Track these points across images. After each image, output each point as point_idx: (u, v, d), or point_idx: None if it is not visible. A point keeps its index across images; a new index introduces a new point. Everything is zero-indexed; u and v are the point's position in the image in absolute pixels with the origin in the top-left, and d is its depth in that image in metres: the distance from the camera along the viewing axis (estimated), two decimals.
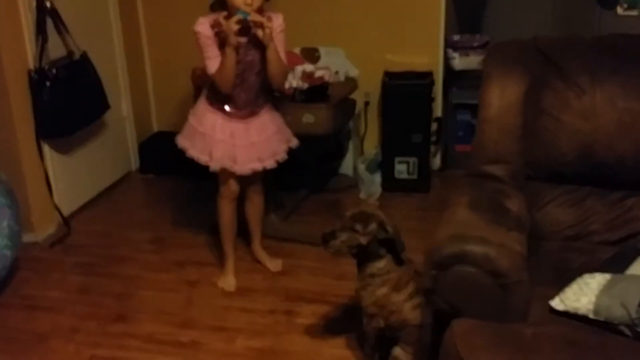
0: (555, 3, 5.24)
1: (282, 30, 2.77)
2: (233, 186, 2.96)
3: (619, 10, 5.81)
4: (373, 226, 2.26)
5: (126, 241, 3.52)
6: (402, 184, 3.94)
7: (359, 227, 2.26)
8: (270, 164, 2.95)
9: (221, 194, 3.00)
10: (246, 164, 2.89)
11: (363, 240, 2.26)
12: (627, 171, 2.28)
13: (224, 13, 2.70)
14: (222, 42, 2.70)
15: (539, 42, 2.46)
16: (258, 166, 2.92)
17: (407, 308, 2.32)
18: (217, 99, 2.83)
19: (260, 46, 2.72)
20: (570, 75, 2.32)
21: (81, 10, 3.72)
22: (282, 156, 2.98)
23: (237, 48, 2.68)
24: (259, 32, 2.66)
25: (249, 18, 2.61)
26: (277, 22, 2.74)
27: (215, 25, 2.70)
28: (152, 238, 3.55)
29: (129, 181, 4.26)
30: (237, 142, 2.87)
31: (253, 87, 2.83)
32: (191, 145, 2.91)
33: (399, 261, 2.31)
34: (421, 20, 3.99)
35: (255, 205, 3.14)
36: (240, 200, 3.07)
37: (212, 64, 2.73)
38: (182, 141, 2.95)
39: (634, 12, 5.98)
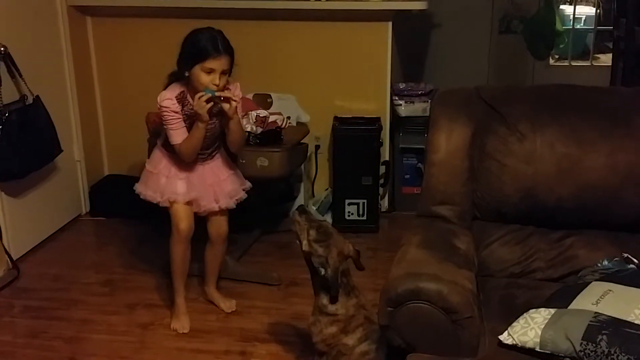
0: (491, 54, 5.52)
1: (239, 100, 2.87)
2: (182, 225, 2.93)
3: (551, 61, 6.14)
4: (317, 248, 2.31)
5: (77, 284, 3.49)
6: (352, 225, 4.03)
7: (312, 233, 2.33)
8: (226, 202, 2.99)
9: (172, 235, 2.99)
10: (203, 205, 2.95)
11: (305, 245, 2.33)
12: (567, 212, 2.41)
13: (183, 89, 2.79)
14: (187, 115, 2.79)
15: (482, 91, 2.60)
16: (215, 206, 2.97)
17: (357, 353, 2.36)
18: (173, 149, 2.89)
19: (219, 114, 2.81)
20: (512, 122, 2.45)
21: (35, 55, 3.74)
22: (241, 196, 3.04)
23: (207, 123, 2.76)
24: (225, 106, 2.74)
25: (216, 94, 2.70)
26: (236, 92, 2.84)
27: (180, 98, 2.78)
28: (103, 281, 3.53)
29: (79, 224, 4.23)
30: (194, 182, 2.93)
31: (209, 147, 2.93)
32: (145, 188, 2.96)
33: (332, 299, 2.35)
34: (369, 69, 4.14)
35: (217, 253, 3.16)
36: (200, 242, 3.10)
37: (177, 135, 2.80)
38: (138, 186, 3.00)
39: (565, 63, 6.33)
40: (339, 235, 2.40)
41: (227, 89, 2.78)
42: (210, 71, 2.69)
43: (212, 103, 2.70)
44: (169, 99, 2.77)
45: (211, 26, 2.78)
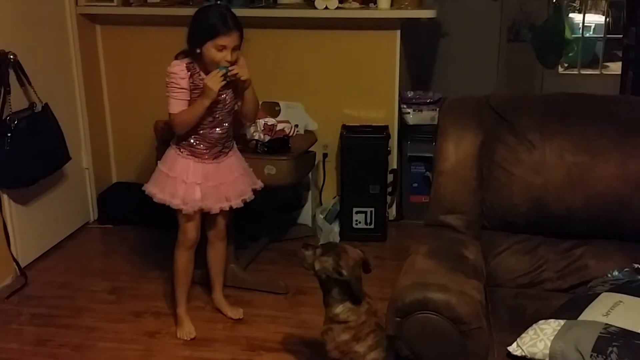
0: (500, 62, 5.51)
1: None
2: (192, 233, 2.97)
3: (560, 69, 6.13)
4: (327, 258, 2.34)
5: (84, 291, 3.49)
6: (360, 234, 4.01)
7: (318, 251, 2.37)
8: (237, 203, 2.99)
9: (179, 242, 3.01)
10: (215, 203, 2.94)
11: (316, 265, 2.35)
12: (576, 222, 2.39)
13: (192, 61, 2.79)
14: (194, 84, 2.79)
15: (492, 100, 2.60)
16: (225, 205, 2.96)
17: None
18: (190, 142, 2.88)
19: (231, 85, 2.81)
20: (521, 131, 2.44)
21: (44, 62, 3.75)
22: (249, 196, 3.04)
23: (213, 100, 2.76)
24: (240, 78, 2.77)
25: (230, 73, 2.72)
26: (241, 62, 2.84)
27: (189, 68, 2.78)
28: (110, 288, 3.53)
29: (87, 231, 4.23)
30: (210, 183, 2.92)
31: (225, 124, 2.90)
32: (160, 190, 2.92)
33: (356, 301, 2.36)
34: (377, 77, 4.13)
35: (218, 253, 3.16)
36: (202, 248, 3.10)
37: (177, 105, 2.79)
38: (150, 187, 2.96)
39: (574, 72, 6.31)
40: (345, 245, 2.44)
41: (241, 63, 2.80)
42: (221, 48, 2.70)
43: (221, 74, 2.71)
44: (178, 65, 2.78)
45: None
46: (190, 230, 2.97)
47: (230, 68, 2.72)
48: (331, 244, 2.47)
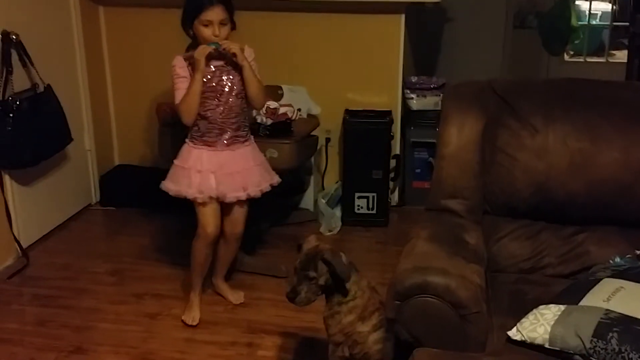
0: (505, 49, 5.48)
1: (253, 60, 2.89)
2: (210, 228, 2.94)
3: (566, 57, 6.10)
4: (321, 265, 2.27)
5: (86, 273, 3.50)
6: (362, 219, 4.02)
7: (312, 274, 2.26)
8: (254, 191, 2.97)
9: (199, 235, 2.98)
10: (231, 191, 2.92)
11: (322, 281, 2.28)
12: (579, 208, 2.38)
13: (190, 54, 2.81)
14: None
15: (495, 84, 2.57)
16: (242, 194, 2.94)
17: (371, 340, 2.33)
18: (200, 131, 2.88)
19: (238, 69, 2.82)
20: (524, 116, 2.42)
21: (47, 43, 3.75)
22: (266, 187, 3.01)
23: (205, 74, 2.78)
24: (233, 52, 2.78)
25: (221, 48, 2.75)
26: (247, 52, 2.86)
27: (191, 62, 2.80)
28: (111, 270, 3.54)
29: (89, 213, 4.24)
30: (225, 171, 2.90)
31: (233, 109, 2.88)
32: (175, 184, 2.92)
33: (343, 290, 2.30)
34: (381, 62, 4.12)
35: (230, 249, 3.15)
36: None
37: (180, 95, 2.81)
38: (166, 184, 2.95)
39: (580, 59, 6.29)
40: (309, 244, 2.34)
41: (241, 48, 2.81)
42: (208, 24, 2.74)
43: (211, 48, 2.74)
44: (178, 59, 2.83)
45: None
46: (207, 226, 2.94)
47: (222, 44, 2.75)
48: (302, 262, 2.29)
